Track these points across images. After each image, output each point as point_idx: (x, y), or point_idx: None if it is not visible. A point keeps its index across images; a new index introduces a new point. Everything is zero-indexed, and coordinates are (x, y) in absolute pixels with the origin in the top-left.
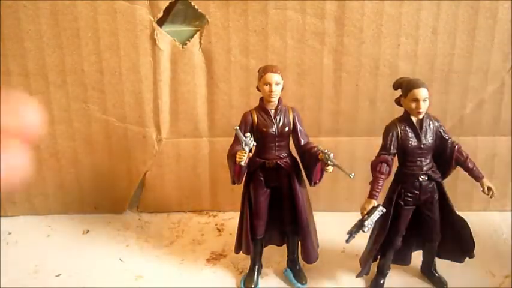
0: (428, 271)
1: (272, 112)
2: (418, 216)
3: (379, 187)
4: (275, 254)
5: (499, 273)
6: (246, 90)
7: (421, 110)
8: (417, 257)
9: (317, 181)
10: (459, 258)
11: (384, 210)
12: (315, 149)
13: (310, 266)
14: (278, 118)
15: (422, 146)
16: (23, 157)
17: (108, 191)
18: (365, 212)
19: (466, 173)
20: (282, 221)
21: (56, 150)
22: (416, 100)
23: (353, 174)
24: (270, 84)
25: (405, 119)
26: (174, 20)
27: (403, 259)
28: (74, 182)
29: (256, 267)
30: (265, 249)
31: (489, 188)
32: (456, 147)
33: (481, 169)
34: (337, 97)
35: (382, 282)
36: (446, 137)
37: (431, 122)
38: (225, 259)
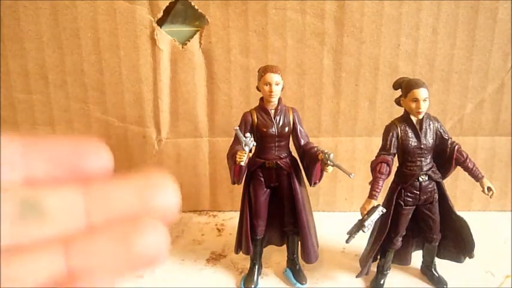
0: (428, 271)
1: (272, 112)
2: (418, 216)
3: (379, 187)
4: (275, 254)
5: (499, 273)
6: (246, 90)
7: (421, 110)
8: (417, 257)
9: (317, 181)
10: (459, 258)
11: (384, 210)
12: (315, 149)
13: (310, 266)
14: (278, 118)
15: (422, 146)
16: (162, 238)
17: None
18: (365, 212)
19: (466, 173)
20: (282, 221)
21: None
22: (416, 100)
23: (353, 174)
24: (270, 84)
25: (405, 119)
26: (174, 20)
27: (403, 259)
28: None
29: (256, 267)
30: (265, 249)
31: (489, 188)
32: (456, 147)
33: (481, 169)
34: (337, 97)
35: (382, 282)
36: (446, 137)
37: (431, 122)
38: (225, 259)
